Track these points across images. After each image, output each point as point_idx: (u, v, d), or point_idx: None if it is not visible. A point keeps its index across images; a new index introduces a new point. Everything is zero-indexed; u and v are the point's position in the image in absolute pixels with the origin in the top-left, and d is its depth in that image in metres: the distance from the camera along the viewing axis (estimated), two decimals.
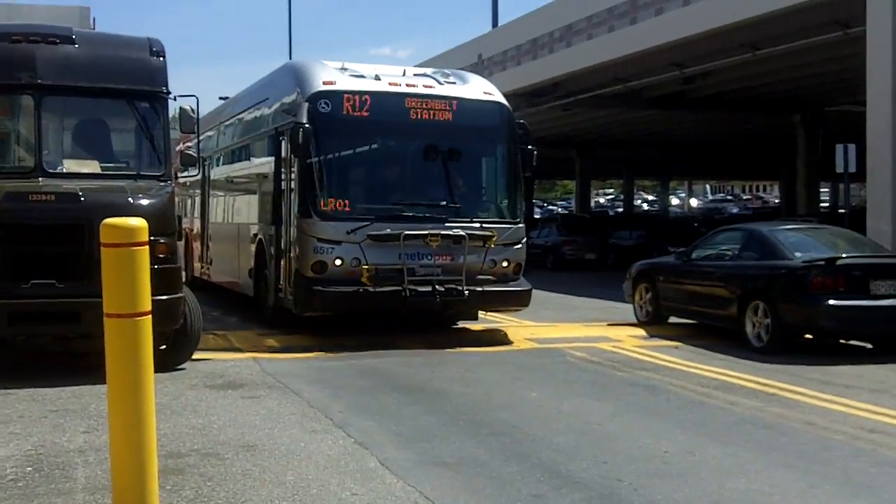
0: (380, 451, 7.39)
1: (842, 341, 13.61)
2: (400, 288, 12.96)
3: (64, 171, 10.81)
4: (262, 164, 16.04)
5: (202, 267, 20.65)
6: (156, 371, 5.45)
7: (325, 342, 13.07)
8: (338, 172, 13.93)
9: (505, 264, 13.78)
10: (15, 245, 9.86)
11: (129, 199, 10.04)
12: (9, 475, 6.59)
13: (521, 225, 14.29)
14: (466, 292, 13.21)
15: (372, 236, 13.06)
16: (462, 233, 13.31)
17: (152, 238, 5.46)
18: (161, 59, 11.36)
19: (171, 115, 11.68)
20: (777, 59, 25.43)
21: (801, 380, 10.89)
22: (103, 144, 11.67)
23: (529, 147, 14.34)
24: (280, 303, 14.22)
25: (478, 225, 13.63)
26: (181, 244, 20.20)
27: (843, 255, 13.35)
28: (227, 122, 19.67)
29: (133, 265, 5.24)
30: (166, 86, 11.30)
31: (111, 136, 11.85)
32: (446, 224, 13.43)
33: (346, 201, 13.31)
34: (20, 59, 10.79)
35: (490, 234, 13.56)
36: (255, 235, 15.84)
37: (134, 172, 11.11)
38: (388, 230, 13.07)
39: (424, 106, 13.67)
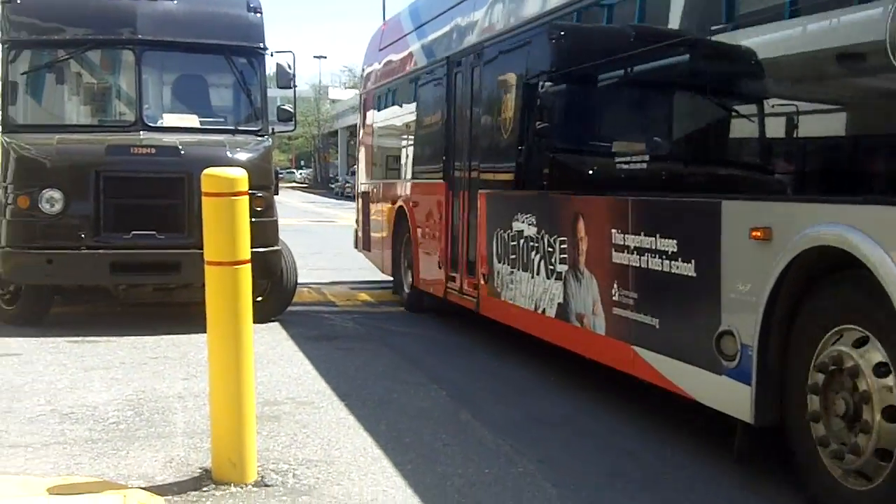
0: (471, 406, 7.45)
1: None
2: None
3: (164, 124, 11.02)
4: None
5: (460, 279, 10.55)
6: (252, 322, 5.54)
7: None
8: None
9: None
10: (117, 197, 10.10)
11: (228, 152, 10.21)
12: (110, 418, 6.78)
13: None
14: None
15: None
16: None
17: (249, 192, 5.52)
18: (258, 15, 11.51)
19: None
20: None
21: None
22: (202, 99, 11.90)
23: None
24: None
25: None
26: (386, 226, 13.10)
27: None
28: None
29: (233, 214, 5.31)
30: (263, 41, 11.44)
31: (209, 90, 12.10)
32: None
33: None
34: (121, 15, 11.02)
35: None
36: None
37: (232, 127, 11.31)
38: None
39: None
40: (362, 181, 15.36)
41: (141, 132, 10.63)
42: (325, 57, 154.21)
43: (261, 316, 9.99)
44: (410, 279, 12.29)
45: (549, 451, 6.28)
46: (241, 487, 5.31)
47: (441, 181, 11.07)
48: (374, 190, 14.40)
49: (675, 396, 6.38)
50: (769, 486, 5.59)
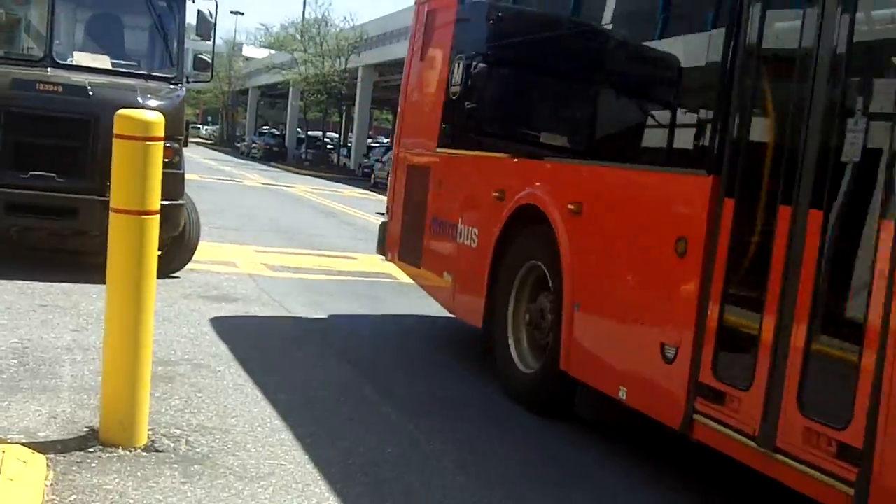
0: (377, 381, 7.21)
1: None
2: None
3: (74, 62, 10.52)
4: None
5: (770, 412, 4.46)
6: None
7: None
8: None
9: None
10: (17, 133, 9.58)
11: (139, 97, 9.74)
12: None
13: None
14: None
15: None
16: None
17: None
18: None
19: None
20: None
21: None
22: (116, 40, 11.40)
23: None
24: None
25: None
26: (475, 236, 7.50)
27: None
28: None
29: (146, 160, 4.97)
30: None
31: (125, 32, 11.58)
32: None
33: None
34: None
35: None
36: None
37: (145, 72, 10.84)
38: None
39: None
40: (411, 142, 9.40)
41: (49, 68, 10.10)
42: (243, 13, 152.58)
43: (159, 271, 9.55)
44: (546, 355, 6.67)
45: (456, 434, 6.10)
46: (130, 451, 5.00)
47: (699, 173, 5.18)
48: (447, 165, 8.39)
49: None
50: None
